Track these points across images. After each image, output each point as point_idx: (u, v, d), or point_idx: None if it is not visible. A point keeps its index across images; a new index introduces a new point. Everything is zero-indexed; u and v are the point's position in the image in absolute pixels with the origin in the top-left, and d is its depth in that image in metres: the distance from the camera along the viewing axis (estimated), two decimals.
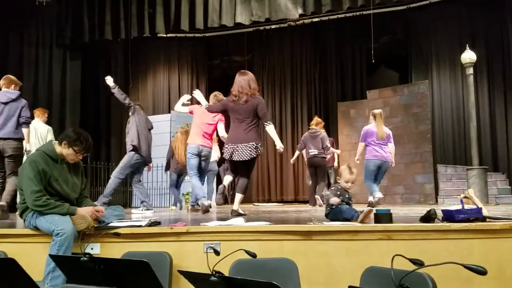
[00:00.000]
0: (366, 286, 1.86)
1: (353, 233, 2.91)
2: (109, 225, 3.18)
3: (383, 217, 3.06)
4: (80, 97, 9.44)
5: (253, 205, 8.93)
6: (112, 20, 8.63)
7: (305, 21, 9.86)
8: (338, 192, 3.43)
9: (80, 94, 9.44)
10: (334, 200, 3.34)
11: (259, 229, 3.06)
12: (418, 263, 1.44)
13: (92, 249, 2.99)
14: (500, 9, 8.19)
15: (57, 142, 3.12)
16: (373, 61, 8.67)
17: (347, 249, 2.87)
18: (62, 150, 3.08)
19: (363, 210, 3.20)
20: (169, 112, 9.61)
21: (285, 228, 3.06)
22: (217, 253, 1.99)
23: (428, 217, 3.00)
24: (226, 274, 2.07)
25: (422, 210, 3.34)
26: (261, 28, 10.17)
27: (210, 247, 2.14)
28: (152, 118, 9.48)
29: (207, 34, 10.41)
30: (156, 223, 3.28)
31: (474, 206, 3.03)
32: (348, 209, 3.32)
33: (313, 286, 2.77)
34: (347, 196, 3.46)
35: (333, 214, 3.36)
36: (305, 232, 2.97)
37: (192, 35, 10.28)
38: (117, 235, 2.93)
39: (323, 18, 9.71)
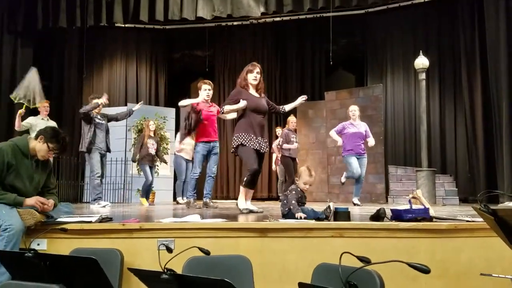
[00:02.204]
0: (317, 283, 1.90)
1: (307, 230, 2.96)
2: (58, 220, 3.07)
3: (342, 215, 3.14)
4: None
5: (212, 202, 8.87)
6: (68, 7, 8.27)
7: (267, 19, 9.91)
8: (299, 195, 3.44)
9: None
10: (300, 215, 3.22)
11: (214, 226, 3.04)
12: (365, 261, 1.48)
13: (38, 244, 2.88)
14: (453, 17, 8.57)
15: (32, 137, 3.07)
16: (331, 63, 8.85)
17: (300, 246, 2.92)
18: (36, 144, 3.02)
19: (328, 207, 3.26)
20: (125, 105, 9.37)
21: (240, 225, 3.07)
22: (169, 250, 1.96)
23: (378, 216, 3.10)
24: (180, 272, 2.05)
25: (373, 209, 3.45)
26: (223, 24, 10.11)
27: (163, 244, 2.11)
28: (107, 110, 9.23)
29: (167, 27, 10.23)
30: (107, 219, 3.19)
31: (422, 206, 3.15)
32: (311, 211, 3.35)
33: (267, 283, 2.79)
34: (303, 196, 3.50)
35: (292, 214, 3.36)
36: (260, 229, 2.99)
37: (151, 26, 10.07)
38: (64, 230, 2.84)
39: (284, 18, 9.80)
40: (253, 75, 4.49)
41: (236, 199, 4.85)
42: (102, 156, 6.31)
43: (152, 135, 7.32)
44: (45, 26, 8.46)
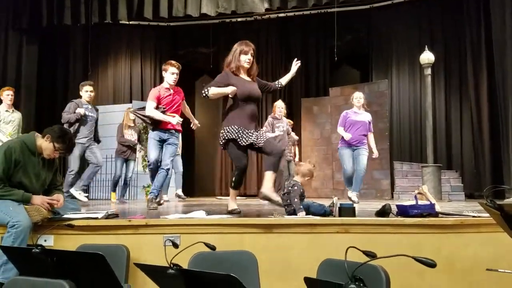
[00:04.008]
0: (322, 278, 1.90)
1: (312, 226, 2.97)
2: (64, 216, 3.10)
3: (347, 211, 3.14)
4: (36, 83, 9.05)
5: (216, 198, 8.92)
6: (72, 4, 8.29)
7: (271, 15, 9.88)
8: (301, 190, 3.44)
9: (36, 80, 9.05)
10: (302, 214, 3.24)
11: (219, 222, 3.06)
12: (371, 255, 1.48)
13: (45, 241, 2.90)
14: (459, 12, 8.49)
15: (39, 135, 3.08)
16: (336, 58, 8.81)
17: (305, 242, 2.93)
18: (43, 143, 3.03)
19: (332, 203, 3.26)
20: (130, 102, 9.38)
21: (245, 221, 3.08)
22: (175, 245, 1.97)
23: (384, 212, 3.10)
24: (185, 267, 2.06)
25: (378, 204, 3.44)
26: (227, 20, 10.09)
27: (169, 239, 2.12)
28: (112, 107, 9.30)
29: (171, 24, 10.21)
30: (113, 216, 3.21)
31: (428, 202, 3.15)
32: (318, 205, 3.36)
33: (272, 279, 2.80)
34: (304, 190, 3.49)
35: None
36: (265, 225, 3.00)
37: (156, 23, 10.06)
38: (71, 227, 2.86)
39: (289, 14, 9.76)
40: (247, 57, 3.82)
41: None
42: (85, 149, 5.57)
43: (132, 125, 6.99)
44: (50, 23, 8.49)
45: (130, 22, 9.62)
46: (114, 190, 7.05)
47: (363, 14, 9.59)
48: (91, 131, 5.65)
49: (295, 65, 4.16)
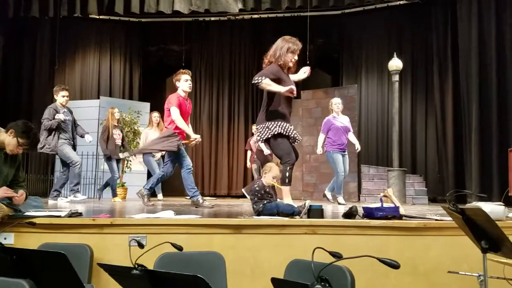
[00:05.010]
0: (289, 278, 1.91)
1: (281, 227, 2.98)
2: (26, 214, 2.99)
3: (316, 212, 3.18)
4: (0, 75, 8.71)
5: (186, 198, 8.81)
6: None
7: (245, 16, 9.88)
8: (263, 190, 3.45)
9: (0, 72, 8.71)
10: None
11: (188, 222, 3.02)
12: (337, 256, 1.51)
13: (5, 238, 2.81)
14: (427, 21, 8.73)
15: (2, 129, 2.97)
16: (308, 62, 8.88)
17: (274, 243, 2.94)
18: (6, 138, 2.92)
19: (304, 204, 3.28)
20: (98, 98, 9.18)
21: (214, 222, 3.06)
22: (141, 246, 1.93)
23: (350, 214, 3.15)
24: (151, 268, 2.02)
25: (346, 206, 3.50)
26: (200, 19, 10.03)
27: (134, 239, 2.07)
28: (79, 103, 9.07)
29: (143, 20, 10.06)
30: (77, 214, 3.13)
31: (392, 205, 3.22)
32: (287, 205, 3.38)
33: (240, 279, 2.79)
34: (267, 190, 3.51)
35: (268, 210, 3.36)
36: (234, 226, 2.99)
37: (127, 19, 9.88)
38: (32, 224, 2.77)
39: (262, 16, 9.80)
40: (294, 57, 3.89)
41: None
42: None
43: (116, 124, 6.92)
44: (16, 14, 8.18)
45: (100, 17, 9.41)
46: (115, 195, 6.82)
47: (335, 19, 9.73)
48: (70, 135, 5.94)
49: (303, 73, 4.20)
